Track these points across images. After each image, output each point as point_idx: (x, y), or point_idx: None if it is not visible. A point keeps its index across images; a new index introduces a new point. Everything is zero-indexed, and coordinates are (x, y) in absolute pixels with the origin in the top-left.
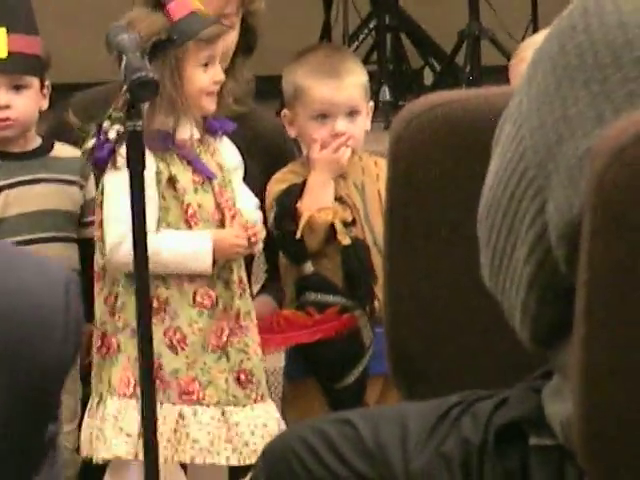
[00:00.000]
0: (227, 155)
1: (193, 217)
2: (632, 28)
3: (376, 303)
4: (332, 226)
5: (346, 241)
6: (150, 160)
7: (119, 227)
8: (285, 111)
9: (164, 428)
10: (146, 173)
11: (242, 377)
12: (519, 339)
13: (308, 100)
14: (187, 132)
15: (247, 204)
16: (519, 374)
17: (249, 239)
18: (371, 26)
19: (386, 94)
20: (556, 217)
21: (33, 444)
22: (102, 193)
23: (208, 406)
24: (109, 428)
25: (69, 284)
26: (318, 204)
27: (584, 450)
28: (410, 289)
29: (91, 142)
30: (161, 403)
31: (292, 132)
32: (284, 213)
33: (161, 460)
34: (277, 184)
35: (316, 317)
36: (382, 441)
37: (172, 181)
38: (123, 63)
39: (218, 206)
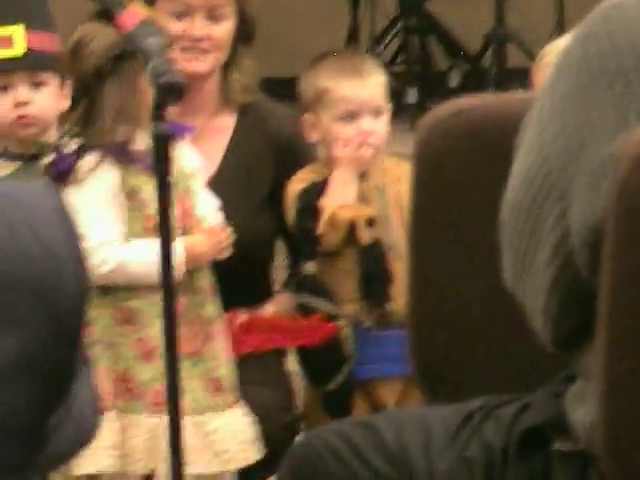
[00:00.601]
0: (186, 160)
1: (155, 228)
2: None
3: (392, 305)
4: (352, 225)
5: (366, 240)
6: (112, 172)
7: (85, 242)
8: (306, 116)
9: (138, 439)
10: (109, 184)
11: (215, 384)
12: (541, 343)
13: (332, 101)
14: (142, 143)
15: (208, 208)
16: (541, 378)
17: (220, 243)
18: (398, 28)
19: (412, 96)
20: (578, 221)
21: (71, 360)
22: None
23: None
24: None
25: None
26: (340, 201)
27: (607, 455)
28: (433, 293)
29: (50, 157)
30: (135, 414)
31: (314, 137)
32: (305, 209)
33: (140, 471)
34: (298, 183)
35: (298, 323)
36: (405, 445)
37: (133, 193)
38: (149, 67)
39: (181, 214)
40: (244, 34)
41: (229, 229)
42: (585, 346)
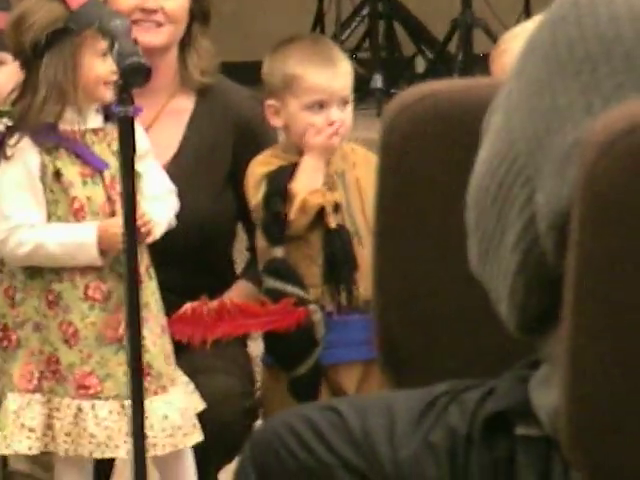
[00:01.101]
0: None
1: (80, 211)
2: (623, 21)
3: (355, 290)
4: (319, 210)
5: (333, 225)
6: (33, 153)
7: (4, 223)
8: (270, 101)
9: (63, 422)
10: (30, 166)
11: (145, 369)
12: (507, 328)
13: (302, 88)
14: (74, 123)
15: (156, 190)
16: (507, 363)
17: (138, 230)
18: (364, 13)
19: (378, 82)
20: (545, 206)
21: None
22: None
23: (107, 399)
24: (9, 424)
25: None
26: (310, 187)
27: (570, 440)
28: (399, 278)
29: None
30: (61, 397)
31: (277, 122)
32: (274, 193)
33: (61, 454)
34: (260, 166)
35: (269, 308)
36: (369, 429)
37: (58, 174)
38: (115, 49)
39: (109, 198)
40: (199, 13)
41: (146, 215)
42: (550, 331)
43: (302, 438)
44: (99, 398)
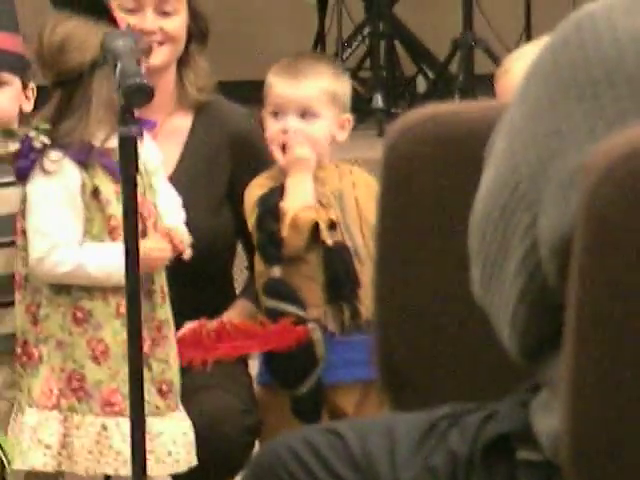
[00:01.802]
0: (147, 156)
1: (117, 229)
2: (626, 46)
3: (357, 310)
4: (315, 228)
5: (329, 241)
6: (74, 171)
7: (44, 241)
8: (263, 111)
9: (86, 440)
10: (70, 184)
11: (164, 387)
12: (508, 351)
13: (268, 96)
14: (114, 141)
15: (169, 204)
16: (507, 386)
17: (174, 246)
18: (365, 33)
19: (379, 101)
20: (547, 231)
21: None
22: (24, 201)
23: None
24: (26, 439)
25: None
26: (300, 203)
27: (570, 465)
28: (400, 299)
29: (13, 146)
30: (83, 414)
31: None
32: (266, 213)
33: (82, 472)
34: (256, 189)
35: (269, 327)
36: (370, 452)
37: (96, 193)
38: (117, 69)
39: (140, 215)
40: (197, 33)
41: (185, 230)
42: (551, 356)
43: (303, 461)
44: (123, 415)
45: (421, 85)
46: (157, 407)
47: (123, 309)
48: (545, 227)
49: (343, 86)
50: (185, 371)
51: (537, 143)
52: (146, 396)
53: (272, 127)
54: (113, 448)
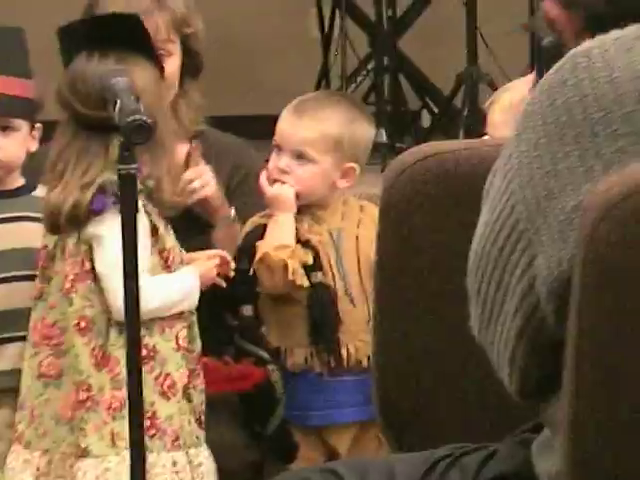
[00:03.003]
0: None
1: (173, 262)
2: (623, 84)
3: (343, 351)
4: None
5: (302, 282)
6: (145, 214)
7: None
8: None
9: (163, 477)
10: (146, 225)
11: (202, 418)
12: (508, 392)
13: (276, 130)
14: None
15: None
16: (508, 427)
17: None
18: (369, 67)
19: (383, 136)
20: (545, 271)
21: None
22: (87, 242)
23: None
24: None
25: None
26: (277, 242)
27: None
28: (399, 340)
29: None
30: (158, 452)
31: None
32: (241, 251)
33: None
34: (248, 226)
35: (230, 368)
36: None
37: (155, 229)
38: (117, 106)
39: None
40: (192, 68)
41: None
42: (551, 396)
43: None
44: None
45: (426, 119)
46: (197, 437)
47: (181, 341)
48: (543, 267)
49: (356, 133)
50: None
51: (534, 183)
52: (187, 427)
53: (270, 162)
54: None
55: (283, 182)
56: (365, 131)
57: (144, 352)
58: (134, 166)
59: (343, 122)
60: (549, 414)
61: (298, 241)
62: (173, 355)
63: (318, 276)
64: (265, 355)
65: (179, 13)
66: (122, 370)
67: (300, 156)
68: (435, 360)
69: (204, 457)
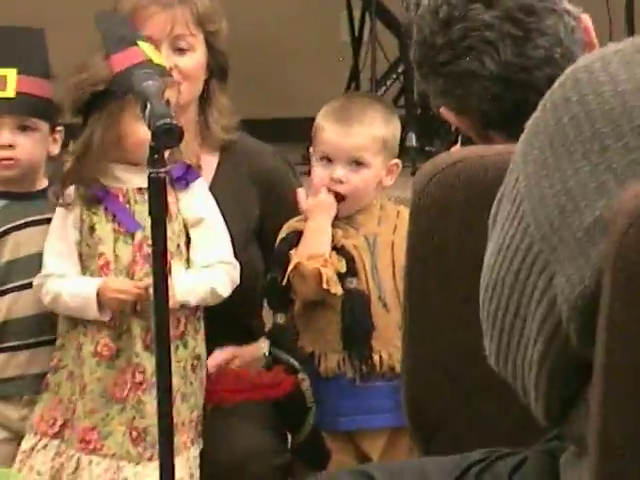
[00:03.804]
0: (187, 205)
1: (105, 267)
2: (629, 96)
3: (375, 357)
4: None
5: (336, 290)
6: (74, 208)
7: (42, 270)
8: (309, 149)
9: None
10: (67, 217)
11: (134, 434)
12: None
13: (317, 141)
14: (119, 181)
15: (202, 257)
16: (537, 431)
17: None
18: (399, 71)
19: (413, 139)
20: (567, 289)
21: None
22: None
23: (104, 457)
24: (17, 463)
25: None
26: (310, 251)
27: None
28: (430, 345)
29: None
30: (66, 447)
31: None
32: (275, 259)
33: None
34: (284, 231)
35: (262, 376)
36: None
37: (92, 229)
38: (147, 109)
39: (134, 259)
40: (217, 70)
41: (180, 285)
42: (578, 414)
43: None
44: (97, 454)
45: None
46: (128, 452)
47: (99, 347)
48: (564, 285)
49: (394, 130)
50: (215, 408)
51: (545, 204)
52: (119, 439)
53: (319, 173)
54: None
55: (337, 192)
56: (398, 125)
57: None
58: (163, 169)
59: (384, 122)
60: (577, 432)
61: (333, 248)
62: (89, 359)
63: (353, 282)
64: (296, 364)
65: (201, 8)
66: (58, 357)
67: (355, 163)
68: (465, 365)
69: (135, 473)
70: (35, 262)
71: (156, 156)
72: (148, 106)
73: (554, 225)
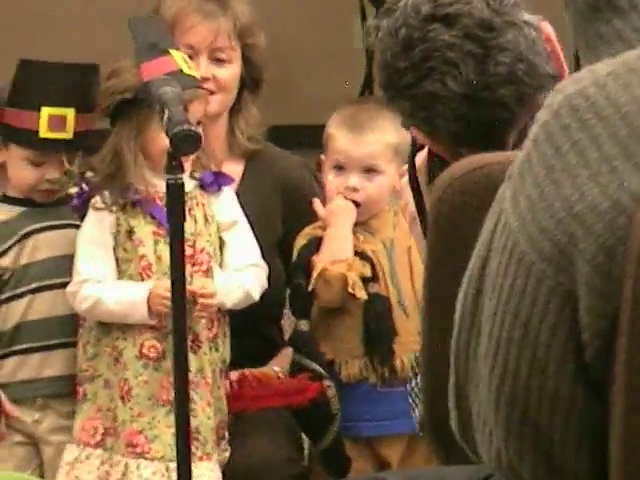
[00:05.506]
0: (220, 209)
1: (147, 269)
2: (634, 117)
3: (397, 362)
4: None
5: (361, 295)
6: (107, 210)
7: (77, 277)
8: (321, 156)
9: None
10: (103, 223)
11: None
12: None
13: (330, 149)
14: (153, 187)
15: (236, 260)
16: None
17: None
18: None
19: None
20: (587, 315)
21: None
22: None
23: (152, 460)
24: (62, 475)
25: None
26: (333, 257)
27: None
28: (447, 351)
29: (74, 189)
30: (116, 454)
31: (324, 177)
32: (298, 266)
33: None
34: (301, 239)
35: (286, 382)
36: None
37: (130, 233)
38: (165, 116)
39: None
40: (250, 81)
41: (212, 292)
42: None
43: None
44: (145, 458)
45: None
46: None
47: (145, 349)
48: (588, 309)
49: (405, 135)
50: (236, 416)
51: (549, 235)
52: (169, 440)
53: (333, 181)
54: None
55: (353, 200)
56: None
57: (115, 355)
58: (181, 176)
59: (394, 128)
60: None
61: (355, 253)
62: (133, 362)
63: (374, 287)
64: (322, 370)
65: (243, 20)
66: (92, 367)
67: (369, 170)
68: None
69: (195, 476)
70: (50, 265)
71: (174, 162)
72: (166, 112)
73: (564, 254)
